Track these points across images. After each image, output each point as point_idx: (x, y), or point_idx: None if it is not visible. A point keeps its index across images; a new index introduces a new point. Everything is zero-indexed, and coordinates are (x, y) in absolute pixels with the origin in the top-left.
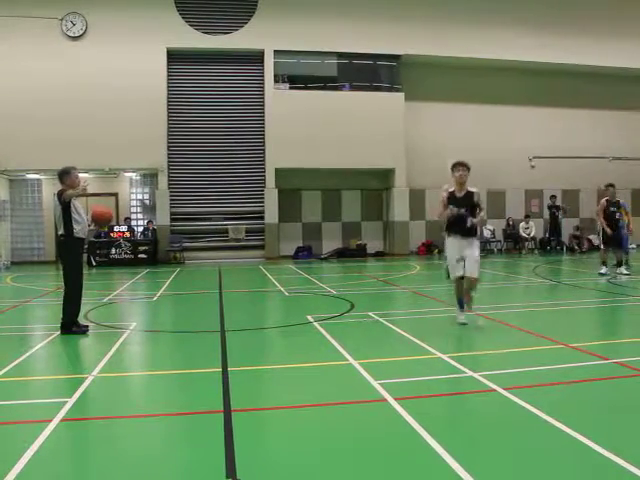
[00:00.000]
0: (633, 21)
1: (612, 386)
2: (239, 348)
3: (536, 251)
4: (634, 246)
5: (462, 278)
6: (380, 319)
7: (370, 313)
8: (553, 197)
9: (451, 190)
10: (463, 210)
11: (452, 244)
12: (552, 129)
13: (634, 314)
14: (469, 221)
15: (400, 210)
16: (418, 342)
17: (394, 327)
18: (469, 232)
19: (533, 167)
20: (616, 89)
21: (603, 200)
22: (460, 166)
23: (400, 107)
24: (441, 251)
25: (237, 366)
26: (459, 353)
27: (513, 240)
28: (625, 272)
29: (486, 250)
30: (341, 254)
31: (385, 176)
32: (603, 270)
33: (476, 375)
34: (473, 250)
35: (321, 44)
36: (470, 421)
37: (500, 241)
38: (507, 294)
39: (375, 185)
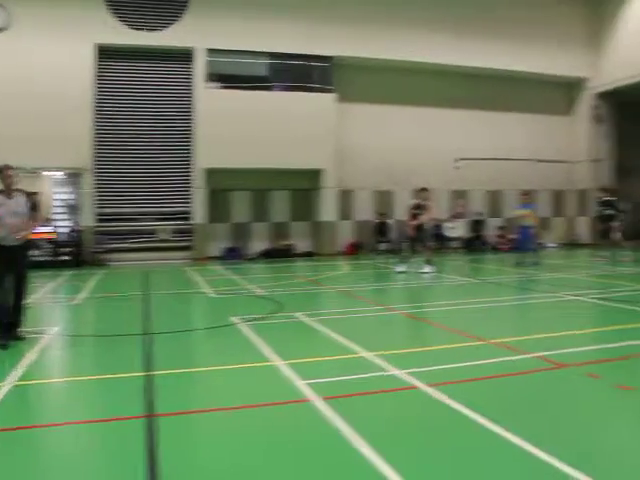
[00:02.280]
0: (551, 27)
1: (530, 379)
2: (164, 351)
3: (461, 251)
4: (554, 245)
5: None
6: (307, 319)
7: (297, 313)
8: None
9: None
10: None
11: None
12: (478, 131)
13: (548, 310)
14: None
15: (329, 210)
16: (344, 341)
17: (321, 327)
18: None
19: (458, 168)
20: (538, 93)
21: (413, 202)
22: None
23: (331, 108)
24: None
25: (162, 369)
26: (384, 351)
27: (439, 240)
28: (425, 271)
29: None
30: (270, 254)
31: (315, 176)
32: (402, 268)
33: (400, 373)
34: None
35: (253, 43)
36: (393, 418)
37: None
38: (432, 293)
39: (305, 185)
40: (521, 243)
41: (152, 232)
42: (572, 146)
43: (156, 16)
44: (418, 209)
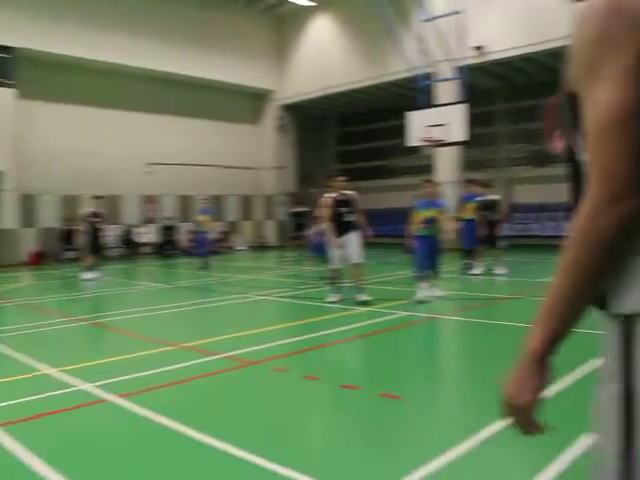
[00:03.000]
0: (242, 40)
1: (221, 379)
2: None
3: (153, 256)
4: (244, 248)
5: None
6: None
7: None
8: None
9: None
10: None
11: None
12: (171, 137)
13: (237, 310)
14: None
15: (8, 216)
16: (26, 359)
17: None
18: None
19: (149, 173)
20: (230, 102)
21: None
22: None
23: (10, 104)
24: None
25: None
26: (71, 366)
27: (131, 245)
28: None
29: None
30: None
31: None
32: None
33: (89, 387)
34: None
35: None
36: (84, 436)
37: (117, 247)
38: (122, 300)
39: None
40: (198, 248)
41: None
42: (260, 154)
43: None
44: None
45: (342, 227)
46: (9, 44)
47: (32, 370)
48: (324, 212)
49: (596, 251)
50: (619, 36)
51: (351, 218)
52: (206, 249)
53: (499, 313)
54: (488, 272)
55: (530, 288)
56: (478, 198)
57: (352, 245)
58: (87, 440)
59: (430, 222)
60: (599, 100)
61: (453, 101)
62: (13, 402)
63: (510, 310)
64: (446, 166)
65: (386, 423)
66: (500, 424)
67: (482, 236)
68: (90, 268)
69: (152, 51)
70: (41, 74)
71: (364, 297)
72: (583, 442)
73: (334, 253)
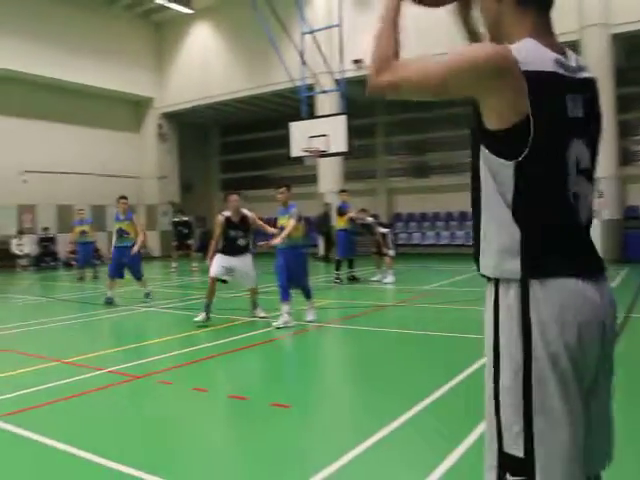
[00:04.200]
0: (122, 45)
1: (106, 394)
2: None
3: (31, 268)
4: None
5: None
6: None
7: None
8: None
9: (227, 215)
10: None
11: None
12: (47, 144)
13: (123, 323)
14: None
15: None
16: None
17: None
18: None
19: (25, 182)
20: (108, 109)
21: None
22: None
23: None
24: None
25: None
26: None
27: (7, 257)
28: None
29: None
30: None
31: None
32: None
33: None
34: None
35: None
36: None
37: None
38: (5, 314)
39: None
40: (82, 258)
41: None
42: (141, 162)
43: None
44: None
45: (233, 249)
46: None
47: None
48: (215, 230)
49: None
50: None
51: (243, 242)
52: (90, 260)
53: (383, 320)
54: (376, 281)
55: (413, 295)
56: (350, 211)
57: (244, 270)
58: None
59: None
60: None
61: (334, 113)
62: None
63: (393, 317)
64: (328, 176)
65: (277, 432)
66: (390, 427)
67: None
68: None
69: (22, 52)
70: None
71: (262, 313)
72: (472, 438)
73: (216, 265)
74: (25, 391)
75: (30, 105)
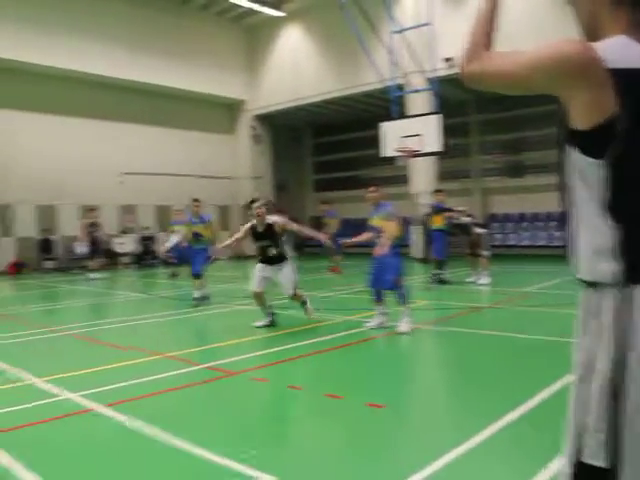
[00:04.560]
0: (215, 49)
1: (205, 389)
2: None
3: (132, 266)
4: (224, 258)
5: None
6: None
7: None
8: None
9: (253, 223)
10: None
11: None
12: (144, 147)
13: (219, 320)
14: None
15: None
16: (10, 369)
17: None
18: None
19: (122, 183)
20: (203, 112)
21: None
22: (255, 202)
23: None
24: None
25: None
26: (55, 375)
27: (109, 256)
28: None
29: (81, 267)
30: None
31: None
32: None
33: (75, 396)
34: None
35: None
36: (71, 445)
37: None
38: (104, 311)
39: None
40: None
41: None
42: (235, 163)
43: None
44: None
45: (266, 259)
46: None
47: (17, 380)
48: (238, 233)
49: None
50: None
51: (274, 252)
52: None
53: (478, 322)
54: (471, 282)
55: (509, 297)
56: (444, 210)
57: (279, 279)
58: (73, 449)
59: (376, 232)
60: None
61: (426, 112)
62: (1, 411)
63: (489, 319)
64: (421, 177)
65: (372, 432)
66: (486, 432)
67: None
68: (94, 271)
69: (124, 60)
70: (14, 84)
71: (312, 314)
72: None
73: (255, 277)
74: (128, 382)
75: (127, 110)
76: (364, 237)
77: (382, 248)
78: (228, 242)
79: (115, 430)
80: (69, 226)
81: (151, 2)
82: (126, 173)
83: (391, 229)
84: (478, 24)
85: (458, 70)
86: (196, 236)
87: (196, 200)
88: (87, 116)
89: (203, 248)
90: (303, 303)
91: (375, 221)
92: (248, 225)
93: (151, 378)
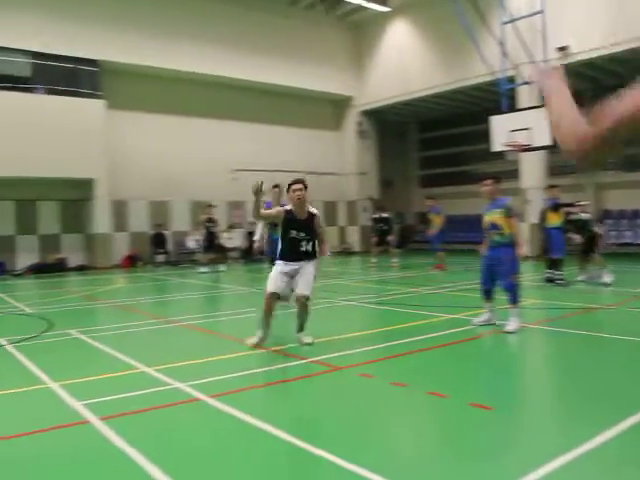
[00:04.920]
0: (322, 46)
1: (310, 383)
2: None
3: (240, 260)
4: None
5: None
6: (82, 336)
7: (71, 331)
8: None
9: (289, 208)
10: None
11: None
12: (254, 144)
13: (322, 315)
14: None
15: (102, 222)
16: (123, 357)
17: (97, 344)
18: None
19: (235, 179)
20: (310, 108)
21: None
22: (296, 184)
23: (101, 115)
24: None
25: None
26: (165, 365)
27: (219, 250)
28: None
29: (191, 261)
30: (39, 269)
31: (86, 186)
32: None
33: (182, 385)
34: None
35: (13, 40)
36: (178, 432)
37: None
38: (212, 303)
39: (74, 196)
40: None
41: None
42: (341, 160)
43: None
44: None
45: (294, 255)
46: (95, 57)
47: (129, 368)
48: (270, 212)
49: None
50: None
51: (308, 247)
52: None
53: (591, 323)
54: (582, 281)
55: (626, 298)
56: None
57: (302, 276)
58: (182, 435)
59: (491, 228)
60: None
61: (537, 104)
62: (112, 397)
63: (603, 320)
64: (532, 171)
65: (478, 433)
66: (598, 439)
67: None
68: (205, 264)
69: (236, 61)
70: (125, 85)
71: (308, 339)
72: None
73: (275, 276)
74: (235, 374)
75: (237, 108)
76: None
77: (520, 247)
78: (263, 211)
79: (221, 420)
80: (180, 221)
81: (261, 4)
82: (237, 170)
83: (513, 226)
84: (562, 106)
85: (577, 155)
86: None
87: (276, 186)
88: (201, 115)
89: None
90: (303, 316)
91: (491, 216)
92: (282, 208)
93: (258, 371)
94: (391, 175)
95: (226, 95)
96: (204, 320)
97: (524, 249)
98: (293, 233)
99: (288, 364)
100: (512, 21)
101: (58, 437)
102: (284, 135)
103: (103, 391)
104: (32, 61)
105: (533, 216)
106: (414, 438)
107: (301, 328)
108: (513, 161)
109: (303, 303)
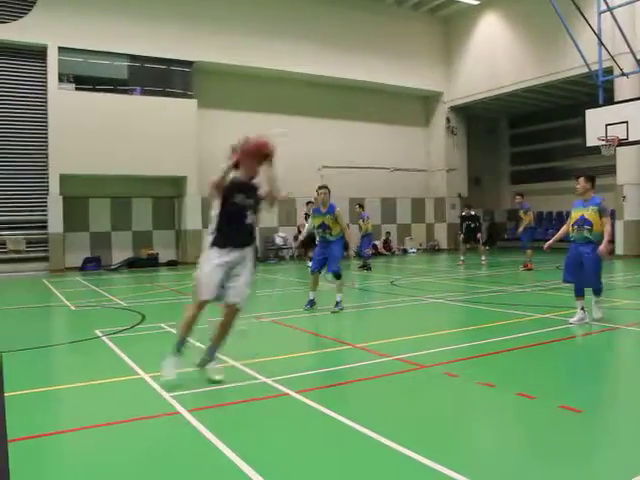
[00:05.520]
0: (411, 43)
1: (393, 381)
2: (18, 370)
3: None
4: (415, 251)
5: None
6: (172, 330)
7: (162, 324)
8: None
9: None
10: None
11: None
12: (341, 140)
13: (410, 312)
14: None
15: (192, 218)
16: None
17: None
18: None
19: (322, 176)
20: (398, 105)
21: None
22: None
23: (192, 114)
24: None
25: (15, 390)
26: (252, 360)
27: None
28: None
29: (278, 257)
30: (132, 264)
31: (177, 183)
32: None
33: (269, 380)
34: None
35: (111, 44)
36: (265, 427)
37: (292, 248)
38: (296, 299)
39: (167, 193)
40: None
41: (2, 242)
42: (429, 156)
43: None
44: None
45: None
46: (189, 58)
47: (218, 361)
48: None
49: None
50: None
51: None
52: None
53: None
54: None
55: None
56: None
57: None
58: (271, 431)
59: (581, 224)
60: None
61: (636, 97)
62: (200, 390)
63: None
64: (629, 167)
65: (566, 437)
66: None
67: None
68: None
69: (322, 57)
70: (214, 84)
71: (219, 374)
72: None
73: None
74: (320, 370)
75: (325, 105)
76: (562, 232)
77: (604, 246)
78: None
79: (307, 415)
80: (266, 217)
81: (350, 3)
82: (325, 167)
83: (604, 224)
84: None
85: None
86: (324, 229)
87: (323, 187)
88: (288, 113)
89: (330, 241)
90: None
91: (583, 212)
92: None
93: (342, 367)
94: (480, 172)
95: (313, 92)
96: (289, 317)
97: (606, 248)
98: (239, 198)
99: (372, 361)
100: (609, 10)
101: (150, 426)
102: (372, 132)
103: (192, 383)
104: (128, 64)
105: (628, 213)
106: (501, 440)
107: (213, 353)
108: (608, 156)
109: (235, 312)
